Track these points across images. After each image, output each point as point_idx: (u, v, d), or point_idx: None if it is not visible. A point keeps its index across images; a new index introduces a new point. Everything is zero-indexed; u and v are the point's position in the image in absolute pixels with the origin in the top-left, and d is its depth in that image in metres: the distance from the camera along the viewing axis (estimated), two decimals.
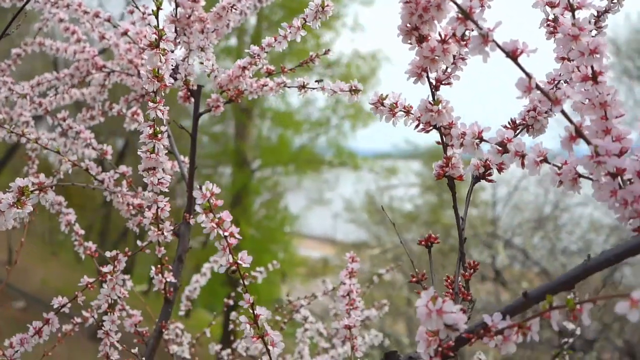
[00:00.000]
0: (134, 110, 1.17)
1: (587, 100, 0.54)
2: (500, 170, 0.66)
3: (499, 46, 0.49)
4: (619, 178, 0.51)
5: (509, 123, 0.67)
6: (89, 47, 1.18)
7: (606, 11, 0.72)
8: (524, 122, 0.67)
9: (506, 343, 0.50)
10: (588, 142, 0.50)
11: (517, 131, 0.67)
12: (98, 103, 1.19)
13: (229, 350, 1.41)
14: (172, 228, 0.89)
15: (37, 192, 0.67)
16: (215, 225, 0.60)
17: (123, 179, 1.03)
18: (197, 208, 0.60)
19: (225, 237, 0.61)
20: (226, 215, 0.61)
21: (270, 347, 0.63)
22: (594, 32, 0.71)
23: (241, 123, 11.15)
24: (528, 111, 0.67)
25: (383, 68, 10.54)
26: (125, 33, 1.06)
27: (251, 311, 0.63)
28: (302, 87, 0.93)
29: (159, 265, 0.94)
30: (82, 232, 1.08)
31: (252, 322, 0.63)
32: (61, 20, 1.19)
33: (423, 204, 9.82)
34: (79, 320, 1.10)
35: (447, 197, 9.04)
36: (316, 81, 0.91)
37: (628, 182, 0.51)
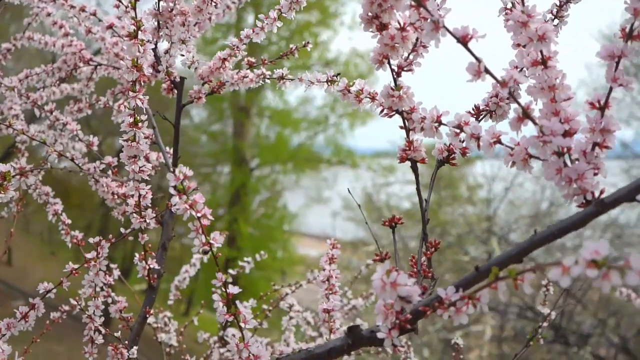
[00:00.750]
0: (120, 102, 1.20)
1: (538, 84, 0.56)
2: (463, 154, 0.69)
3: (449, 32, 0.52)
4: (566, 157, 0.54)
5: (472, 109, 0.70)
6: (76, 41, 1.21)
7: (568, 1, 0.75)
8: (487, 108, 0.69)
9: (458, 314, 0.53)
10: (535, 123, 0.53)
11: (481, 117, 0.69)
12: (85, 96, 1.22)
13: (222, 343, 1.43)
14: (154, 215, 0.92)
15: (18, 176, 0.69)
16: (188, 207, 0.63)
17: (108, 169, 1.06)
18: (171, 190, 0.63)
19: (199, 218, 0.64)
20: (199, 197, 0.64)
21: (242, 325, 0.66)
22: (556, 22, 0.74)
23: (239, 122, 11.18)
24: (491, 97, 0.69)
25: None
26: (110, 27, 1.08)
27: (224, 289, 0.66)
28: (281, 78, 0.96)
29: (142, 253, 0.97)
30: (68, 221, 1.10)
31: (225, 299, 0.66)
32: (49, 15, 1.22)
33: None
34: (66, 307, 1.13)
35: (444, 194, 9.08)
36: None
37: (576, 162, 0.54)
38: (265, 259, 1.53)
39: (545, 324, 1.11)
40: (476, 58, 0.52)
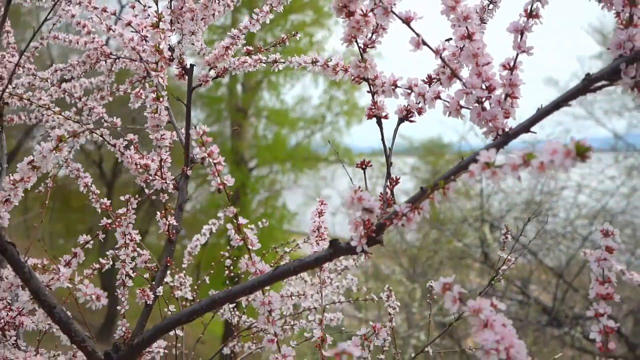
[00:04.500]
0: (137, 90, 1.39)
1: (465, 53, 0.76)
2: (419, 113, 0.88)
3: (396, 15, 0.71)
4: (486, 104, 0.73)
5: (426, 77, 0.89)
6: (97, 38, 1.40)
7: None
8: (437, 76, 0.89)
9: (409, 222, 0.72)
10: (460, 80, 0.72)
11: (432, 83, 0.88)
12: (107, 85, 1.41)
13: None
14: (173, 177, 1.11)
15: (71, 138, 0.88)
16: (207, 155, 0.82)
17: (131, 144, 1.25)
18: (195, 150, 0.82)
19: (215, 164, 0.83)
20: (215, 148, 0.83)
21: (250, 247, 0.85)
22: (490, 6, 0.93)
23: (237, 122, 11.35)
24: (440, 67, 0.89)
25: (381, 71, 10.71)
26: (129, 24, 1.27)
27: (235, 221, 0.85)
28: (275, 61, 1.15)
29: (163, 211, 1.16)
30: (97, 191, 1.29)
31: (236, 228, 0.85)
32: (73, 16, 1.41)
33: None
34: (97, 265, 1.32)
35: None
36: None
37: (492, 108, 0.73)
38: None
39: (504, 267, 1.30)
40: (416, 34, 0.72)
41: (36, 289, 0.78)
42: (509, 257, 1.32)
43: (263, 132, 12.44)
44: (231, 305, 1.58)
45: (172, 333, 1.27)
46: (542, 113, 0.67)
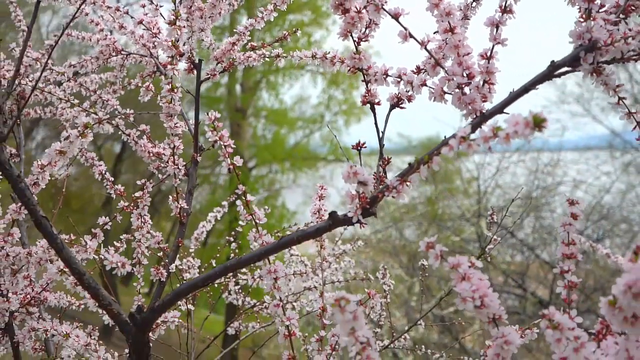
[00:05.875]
0: (147, 84, 1.48)
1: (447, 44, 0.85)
2: (409, 100, 0.97)
3: (386, 11, 0.81)
4: (467, 90, 0.83)
5: (415, 68, 0.99)
6: (110, 35, 1.50)
7: None
8: (424, 66, 0.98)
9: (399, 193, 0.81)
10: (443, 68, 0.82)
11: (420, 73, 0.98)
12: (119, 80, 1.50)
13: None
14: (184, 163, 1.20)
15: (96, 124, 0.98)
16: (218, 139, 0.92)
17: (143, 134, 1.34)
18: (207, 130, 0.92)
19: (225, 146, 0.92)
20: (225, 132, 0.93)
21: (257, 221, 0.95)
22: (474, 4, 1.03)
23: (236, 123, 11.45)
24: (427, 59, 0.98)
25: (374, 62, 10.82)
26: (140, 22, 1.37)
27: (244, 198, 0.95)
28: (277, 56, 1.25)
29: (175, 195, 1.26)
30: (112, 178, 1.39)
31: (245, 203, 0.94)
32: (87, 14, 1.50)
33: (419, 195, 10.17)
34: (117, 244, 1.42)
35: (441, 188, 9.39)
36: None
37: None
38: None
39: (491, 246, 1.40)
40: (404, 28, 0.81)
41: (67, 258, 0.88)
42: (495, 237, 1.41)
43: (262, 132, 12.54)
44: (237, 287, 1.68)
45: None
46: (514, 96, 0.77)
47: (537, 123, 0.58)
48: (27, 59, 1.60)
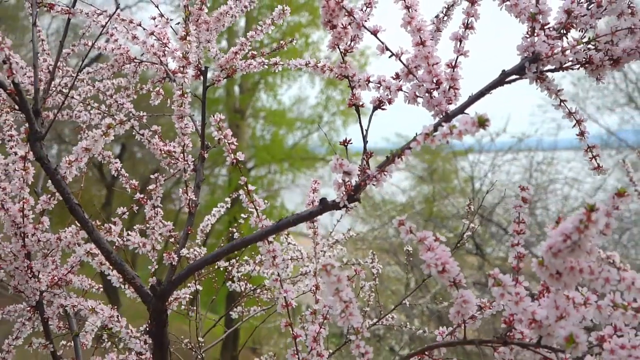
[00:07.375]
0: (158, 89, 1.64)
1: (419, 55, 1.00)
2: (390, 102, 1.12)
3: (366, 28, 0.96)
4: (435, 94, 0.98)
5: (394, 74, 1.14)
6: (123, 45, 1.65)
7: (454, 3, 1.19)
8: (400, 74, 1.13)
9: (377, 182, 0.96)
10: (414, 76, 0.97)
11: (398, 79, 1.13)
12: (132, 85, 1.65)
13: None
14: (193, 159, 1.35)
15: (118, 125, 1.13)
16: (222, 137, 1.07)
17: (155, 134, 1.49)
18: (212, 127, 1.07)
19: (229, 143, 1.08)
20: (229, 132, 1.08)
21: (257, 207, 1.10)
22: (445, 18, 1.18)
23: (235, 124, 11.59)
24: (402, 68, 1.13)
25: (371, 64, 11.04)
26: (152, 33, 1.52)
27: (246, 188, 1.10)
28: (276, 64, 1.40)
29: (184, 187, 1.41)
30: (127, 175, 1.54)
31: (247, 192, 1.10)
32: (103, 27, 1.65)
33: (416, 195, 10.34)
34: (136, 227, 1.57)
35: (438, 188, 9.56)
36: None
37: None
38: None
39: (468, 233, 1.55)
40: (381, 42, 0.97)
41: (97, 239, 1.03)
42: (473, 225, 1.56)
43: (261, 133, 12.68)
44: (239, 274, 1.83)
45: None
46: (471, 100, 0.92)
47: (482, 123, 0.74)
48: (44, 63, 1.75)
